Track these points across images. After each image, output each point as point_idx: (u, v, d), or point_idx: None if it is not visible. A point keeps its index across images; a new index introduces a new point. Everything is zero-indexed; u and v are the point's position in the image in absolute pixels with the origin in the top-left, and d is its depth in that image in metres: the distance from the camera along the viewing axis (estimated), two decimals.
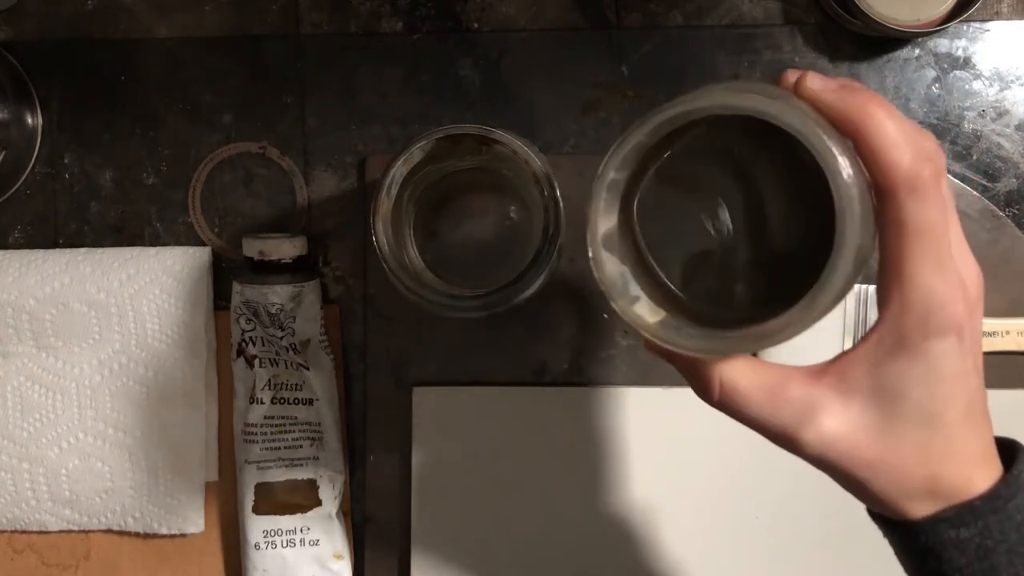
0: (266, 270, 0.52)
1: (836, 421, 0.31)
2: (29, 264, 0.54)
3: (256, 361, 0.53)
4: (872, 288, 0.51)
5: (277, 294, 0.51)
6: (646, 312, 0.32)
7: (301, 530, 0.53)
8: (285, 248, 0.52)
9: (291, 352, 0.53)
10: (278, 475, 0.53)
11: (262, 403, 0.53)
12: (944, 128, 0.53)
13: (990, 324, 0.51)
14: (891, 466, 0.31)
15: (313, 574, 0.53)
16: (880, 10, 0.50)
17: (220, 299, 0.55)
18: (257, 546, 0.53)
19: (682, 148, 0.33)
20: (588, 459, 0.53)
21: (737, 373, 0.32)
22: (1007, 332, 0.51)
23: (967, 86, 0.53)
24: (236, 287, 0.52)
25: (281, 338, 0.52)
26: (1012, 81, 0.53)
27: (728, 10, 0.53)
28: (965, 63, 0.53)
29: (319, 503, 0.53)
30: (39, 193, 0.56)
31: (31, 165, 0.56)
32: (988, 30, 0.52)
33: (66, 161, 0.56)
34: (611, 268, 0.32)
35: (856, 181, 0.28)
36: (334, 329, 0.55)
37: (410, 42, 0.54)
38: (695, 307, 0.34)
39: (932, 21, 0.50)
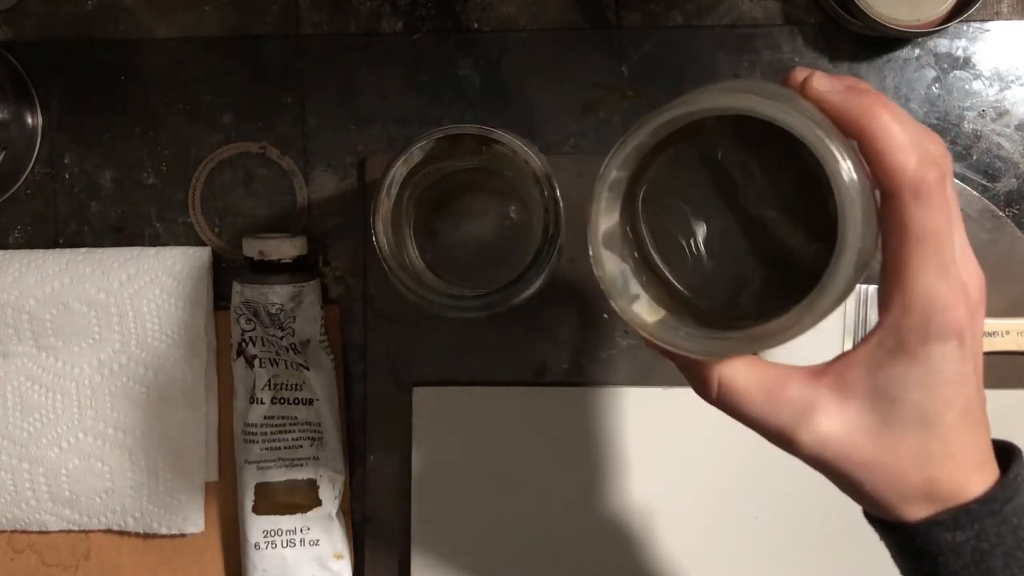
0: (266, 270, 0.52)
1: (833, 422, 0.31)
2: (29, 264, 0.54)
3: (256, 361, 0.53)
4: (872, 289, 0.51)
5: (277, 294, 0.51)
6: (645, 311, 0.32)
7: (301, 530, 0.53)
8: (285, 248, 0.52)
9: (291, 352, 0.53)
10: (278, 475, 0.53)
11: (262, 403, 0.53)
12: (944, 128, 0.53)
13: (990, 324, 0.51)
14: (887, 468, 0.31)
15: (313, 574, 0.53)
16: (880, 10, 0.50)
17: (220, 299, 0.55)
18: (257, 546, 0.53)
19: (684, 147, 0.33)
20: (588, 459, 0.53)
21: (736, 372, 0.32)
22: (1007, 332, 0.51)
23: (967, 86, 0.53)
24: (236, 287, 0.52)
25: (281, 338, 0.52)
26: (1012, 81, 0.53)
27: (728, 10, 0.53)
28: (965, 63, 0.53)
29: (319, 503, 0.53)
30: (39, 193, 0.56)
31: (31, 165, 0.56)
32: (988, 30, 0.52)
33: (66, 161, 0.56)
34: (611, 267, 0.32)
35: (859, 183, 0.28)
36: (334, 329, 0.55)
37: (410, 42, 0.54)
38: (697, 305, 0.34)
39: (932, 21, 0.50)
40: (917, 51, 0.53)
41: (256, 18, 0.55)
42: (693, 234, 0.34)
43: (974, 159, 0.53)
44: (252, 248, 0.52)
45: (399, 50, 0.54)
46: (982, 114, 0.53)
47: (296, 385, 0.53)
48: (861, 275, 0.28)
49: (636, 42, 0.53)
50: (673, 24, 0.53)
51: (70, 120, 0.56)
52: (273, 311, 0.51)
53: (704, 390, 0.33)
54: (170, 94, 0.55)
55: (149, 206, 0.56)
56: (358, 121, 0.55)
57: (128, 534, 0.56)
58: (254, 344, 0.53)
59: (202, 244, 0.55)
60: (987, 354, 0.49)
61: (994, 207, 0.52)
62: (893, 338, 0.30)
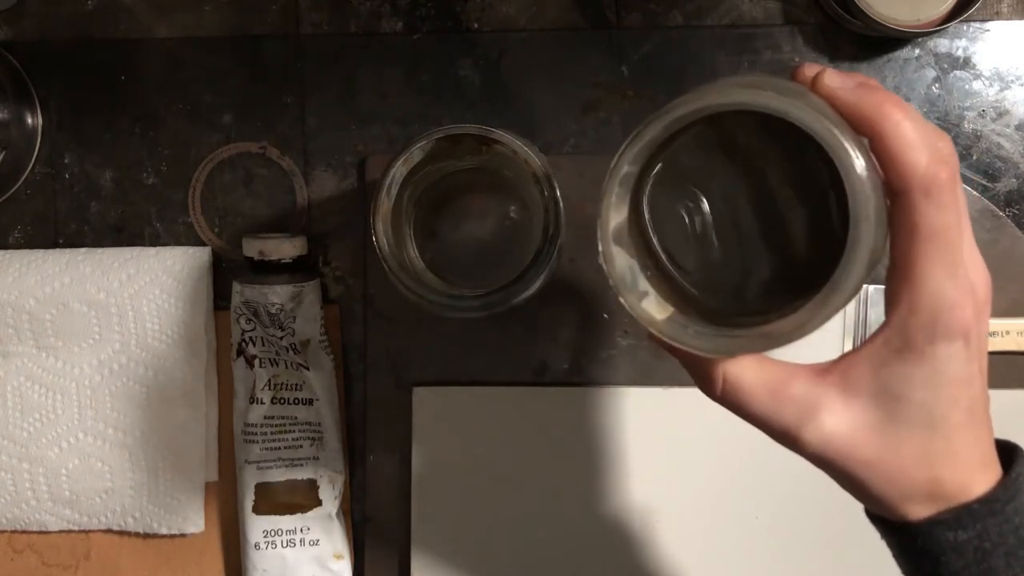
0: (266, 270, 0.52)
1: (837, 420, 0.31)
2: (29, 264, 0.54)
3: (256, 361, 0.53)
4: (873, 288, 0.51)
5: (277, 294, 0.51)
6: (654, 308, 0.31)
7: (301, 530, 0.53)
8: (285, 248, 0.52)
9: (291, 352, 0.53)
10: (278, 475, 0.53)
11: (262, 403, 0.53)
12: (944, 128, 0.53)
13: (990, 324, 0.51)
14: (891, 467, 0.31)
15: (313, 574, 0.53)
16: (880, 10, 0.50)
17: (220, 299, 0.55)
18: (257, 546, 0.53)
19: (693, 142, 0.33)
20: (588, 459, 0.53)
21: (741, 369, 0.32)
22: (1007, 332, 0.51)
23: (967, 86, 0.53)
24: (236, 287, 0.52)
25: (281, 338, 0.52)
26: (1012, 81, 0.53)
27: (728, 10, 0.53)
28: (965, 63, 0.53)
29: (319, 503, 0.53)
30: (39, 193, 0.56)
31: (31, 165, 0.56)
32: (988, 30, 0.52)
33: (66, 161, 0.56)
34: (620, 263, 0.31)
35: (871, 181, 0.28)
36: (334, 329, 0.55)
37: (410, 42, 0.54)
38: (704, 303, 0.34)
39: (932, 21, 0.50)
40: (917, 51, 0.53)
41: (256, 18, 0.55)
42: (699, 230, 0.34)
43: (974, 159, 0.53)
44: (252, 248, 0.52)
45: (399, 50, 0.54)
46: (982, 114, 0.53)
47: (296, 385, 0.53)
48: (871, 274, 0.28)
49: (636, 42, 0.53)
50: (673, 24, 0.53)
51: (70, 120, 0.56)
52: (273, 311, 0.51)
53: (708, 387, 0.33)
54: (170, 94, 0.55)
55: (149, 206, 0.56)
56: (358, 121, 0.55)
57: (128, 534, 0.56)
58: (254, 344, 0.53)
59: (202, 244, 0.55)
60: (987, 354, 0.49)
61: (994, 207, 0.52)
62: (899, 337, 0.30)
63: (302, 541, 0.53)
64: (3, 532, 0.56)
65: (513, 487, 0.53)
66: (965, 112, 0.53)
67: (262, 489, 0.53)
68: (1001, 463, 0.32)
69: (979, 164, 0.53)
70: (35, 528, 0.55)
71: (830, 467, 0.32)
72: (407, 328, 0.54)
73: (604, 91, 0.54)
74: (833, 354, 0.33)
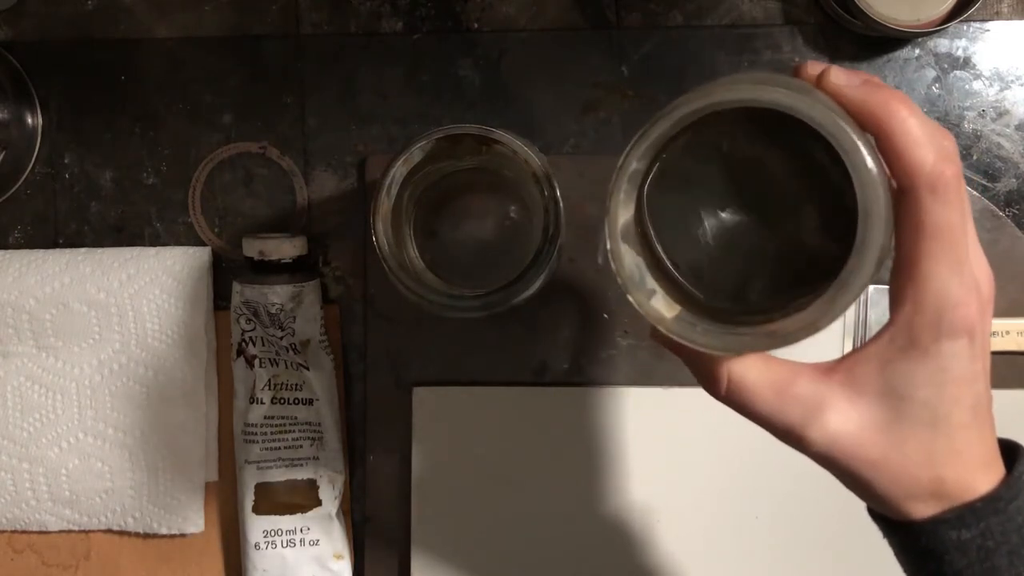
0: (266, 270, 0.52)
1: (842, 419, 0.31)
2: (29, 264, 0.54)
3: (256, 361, 0.53)
4: (873, 288, 0.51)
5: (277, 294, 0.51)
6: (662, 306, 0.31)
7: (301, 530, 0.53)
8: (285, 248, 0.52)
9: (291, 352, 0.53)
10: (278, 475, 0.53)
11: (262, 403, 0.53)
12: (944, 128, 0.53)
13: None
14: (895, 466, 0.30)
15: (313, 574, 0.53)
16: (880, 10, 0.50)
17: (220, 299, 0.55)
18: (257, 546, 0.53)
19: (696, 140, 0.33)
20: (588, 459, 0.53)
21: (746, 368, 0.32)
22: (1007, 332, 0.51)
23: (967, 86, 0.53)
24: (236, 287, 0.52)
25: (281, 338, 0.52)
26: (1012, 81, 0.53)
27: (728, 10, 0.53)
28: (965, 63, 0.53)
29: (319, 503, 0.53)
30: (39, 193, 0.56)
31: (31, 165, 0.56)
32: (988, 30, 0.52)
33: (66, 161, 0.56)
34: (628, 261, 0.31)
35: (881, 177, 0.28)
36: (334, 329, 0.55)
37: (410, 42, 0.54)
38: (705, 302, 0.34)
39: (932, 21, 0.50)
40: (917, 51, 0.53)
41: (256, 18, 0.55)
42: (701, 229, 0.34)
43: (974, 159, 0.53)
44: (252, 248, 0.52)
45: (399, 50, 0.54)
46: (982, 114, 0.53)
47: (296, 385, 0.53)
48: (879, 271, 0.28)
49: (636, 42, 0.53)
50: (673, 24, 0.53)
51: (70, 120, 0.56)
52: (273, 311, 0.51)
53: (713, 387, 0.32)
54: (170, 94, 0.55)
55: (149, 206, 0.56)
56: (358, 121, 0.55)
57: (128, 534, 0.56)
58: (254, 344, 0.53)
59: (202, 244, 0.55)
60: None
61: (994, 207, 0.52)
62: (905, 335, 0.30)
63: (302, 541, 0.53)
64: (3, 532, 0.56)
65: (513, 487, 0.53)
66: (965, 112, 0.53)
67: (262, 489, 0.53)
68: (1004, 462, 0.32)
69: (979, 164, 0.53)
70: (35, 528, 0.55)
71: (835, 466, 0.31)
72: (407, 328, 0.54)
73: (604, 91, 0.54)
74: (833, 354, 0.33)
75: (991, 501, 0.30)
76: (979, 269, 0.31)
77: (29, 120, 0.56)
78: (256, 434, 0.53)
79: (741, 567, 0.53)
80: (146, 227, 0.56)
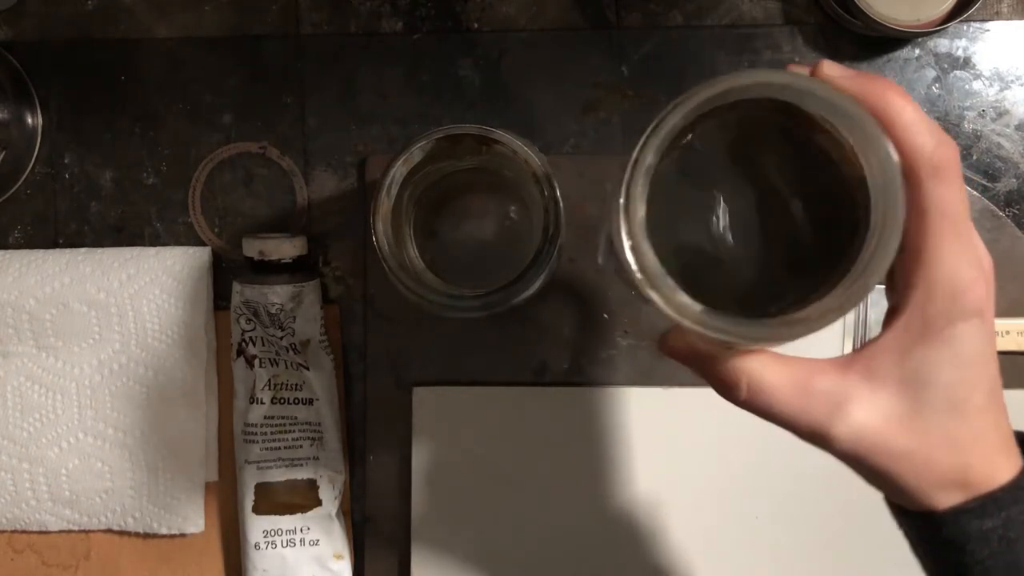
0: (266, 270, 0.52)
1: (867, 412, 0.30)
2: (29, 264, 0.54)
3: (256, 361, 0.53)
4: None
5: (277, 294, 0.51)
6: (688, 301, 0.29)
7: (301, 530, 0.53)
8: (285, 248, 0.52)
9: (291, 352, 0.53)
10: (278, 475, 0.53)
11: (262, 403, 0.53)
12: (944, 128, 0.53)
13: None
14: (922, 456, 0.30)
15: (313, 574, 0.53)
16: (880, 10, 0.50)
17: (220, 299, 0.55)
18: (257, 546, 0.53)
19: (697, 137, 0.33)
20: (588, 459, 0.53)
21: (762, 369, 0.31)
22: (1007, 332, 0.51)
23: (967, 86, 0.53)
24: (236, 287, 0.52)
25: (281, 338, 0.52)
26: (1012, 81, 0.53)
27: (728, 10, 0.53)
28: (965, 63, 0.53)
29: (319, 503, 0.53)
30: (39, 193, 0.56)
31: (31, 165, 0.56)
32: (988, 30, 0.53)
33: (66, 161, 0.56)
34: (651, 256, 0.29)
35: (898, 157, 0.28)
36: (334, 329, 0.55)
37: (410, 42, 0.54)
38: (715, 300, 0.33)
39: (932, 21, 0.50)
40: (917, 51, 0.53)
41: (256, 18, 0.55)
42: (703, 224, 0.34)
43: (974, 159, 0.53)
44: (252, 248, 0.52)
45: (399, 50, 0.54)
46: (982, 114, 0.53)
47: (296, 385, 0.53)
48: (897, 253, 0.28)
49: (636, 42, 0.53)
50: (673, 24, 0.53)
51: (70, 120, 0.56)
52: (273, 311, 0.51)
53: (732, 392, 0.32)
54: (170, 94, 0.55)
55: (149, 206, 0.56)
56: (358, 121, 0.55)
57: (128, 534, 0.56)
58: (254, 344, 0.53)
59: (202, 244, 0.55)
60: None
61: (994, 207, 0.52)
62: (919, 320, 0.30)
63: (302, 541, 0.53)
64: (3, 532, 0.56)
65: (513, 487, 0.53)
66: (965, 112, 0.53)
67: (262, 489, 0.53)
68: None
69: (979, 164, 0.53)
70: (35, 528, 0.55)
71: (861, 462, 0.31)
72: (407, 328, 0.54)
73: (604, 91, 0.54)
74: (834, 354, 0.33)
75: (1012, 490, 0.30)
76: (979, 248, 0.31)
77: (29, 120, 0.56)
78: (256, 434, 0.53)
79: (741, 567, 0.53)
80: (146, 227, 0.56)
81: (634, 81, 0.54)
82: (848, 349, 0.52)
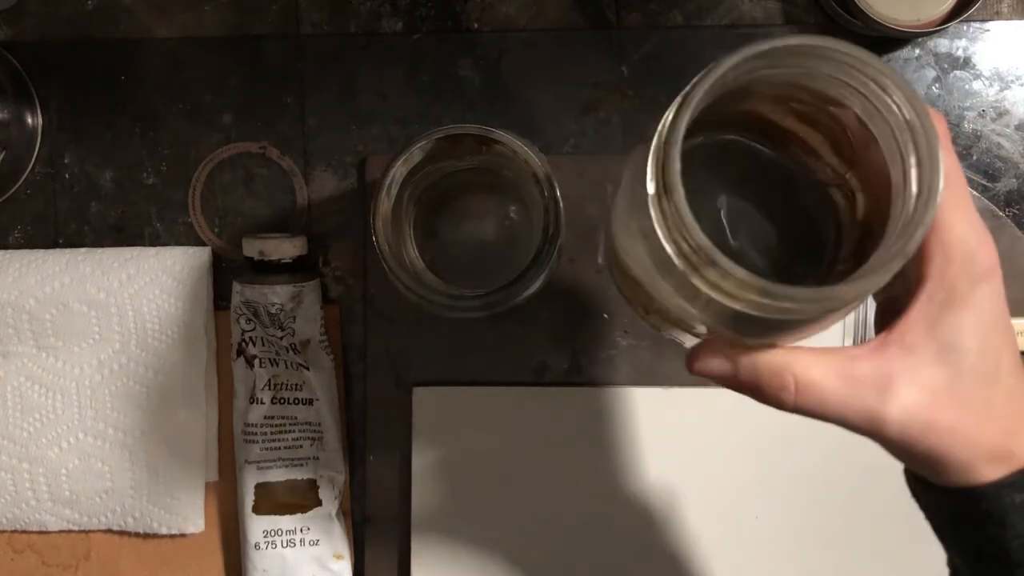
0: (266, 270, 0.52)
1: (914, 390, 0.30)
2: (29, 264, 0.54)
3: (256, 361, 0.53)
4: None
5: (277, 294, 0.51)
6: (747, 272, 0.27)
7: (301, 530, 0.53)
8: (285, 248, 0.52)
9: (291, 352, 0.53)
10: (278, 475, 0.53)
11: (262, 403, 0.53)
12: None
13: None
14: (967, 427, 0.30)
15: (313, 574, 0.53)
16: (880, 10, 0.50)
17: (220, 299, 0.55)
18: (257, 546, 0.53)
19: (705, 138, 0.33)
20: (588, 459, 0.53)
21: (807, 365, 0.30)
22: None
23: (967, 86, 0.53)
24: (236, 287, 0.52)
25: (281, 338, 0.52)
26: (1012, 81, 0.53)
27: (728, 10, 0.53)
28: (965, 63, 0.53)
29: (319, 503, 0.53)
30: (39, 193, 0.56)
31: (31, 165, 0.56)
32: (988, 30, 0.53)
33: (66, 161, 0.56)
34: (701, 233, 0.27)
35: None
36: (334, 329, 0.55)
37: (410, 42, 0.54)
38: None
39: (932, 21, 0.50)
40: (917, 51, 0.53)
41: (256, 18, 0.55)
42: (718, 208, 0.34)
43: (974, 159, 0.53)
44: (252, 248, 0.52)
45: (399, 50, 0.54)
46: (982, 114, 0.53)
47: (296, 385, 0.53)
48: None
49: (636, 42, 0.53)
50: (673, 24, 0.53)
51: (70, 120, 0.56)
52: (273, 311, 0.51)
53: (779, 394, 0.31)
54: (170, 94, 0.55)
55: (149, 206, 0.56)
56: (358, 121, 0.55)
57: (128, 534, 0.56)
58: (254, 344, 0.53)
59: (202, 244, 0.55)
60: None
61: (994, 207, 0.52)
62: (941, 288, 0.30)
63: (302, 541, 0.53)
64: (3, 532, 0.56)
65: (513, 487, 0.53)
66: (965, 112, 0.53)
67: (262, 489, 0.53)
68: None
69: (979, 164, 0.53)
70: (35, 528, 0.55)
71: (914, 443, 0.30)
72: (407, 328, 0.54)
73: (604, 91, 0.54)
74: None
75: None
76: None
77: (29, 120, 0.56)
78: (256, 434, 0.53)
79: (741, 567, 0.53)
80: (146, 227, 0.56)
81: (634, 81, 0.54)
82: (848, 346, 0.52)
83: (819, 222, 0.34)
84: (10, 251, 0.55)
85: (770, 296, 0.27)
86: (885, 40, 0.52)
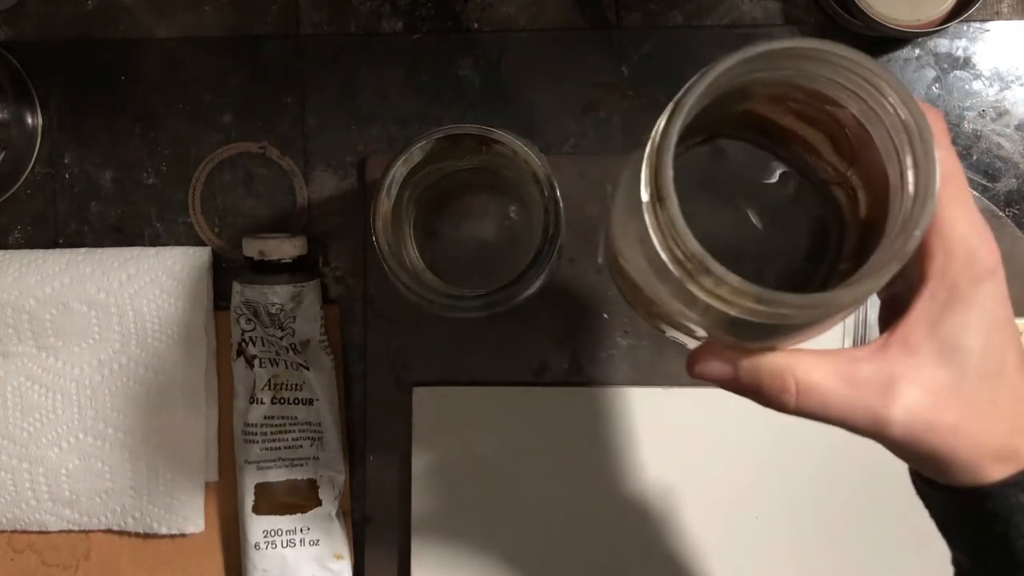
0: (266, 270, 0.52)
1: (917, 391, 0.29)
2: (29, 264, 0.54)
3: (256, 361, 0.53)
4: None
5: (277, 294, 0.51)
6: (741, 279, 0.27)
7: (301, 530, 0.53)
8: (285, 248, 0.52)
9: (291, 352, 0.53)
10: (278, 475, 0.53)
11: (262, 403, 0.53)
12: None
13: None
14: (973, 428, 0.30)
15: (313, 574, 0.53)
16: (880, 10, 0.50)
17: (220, 299, 0.55)
18: (257, 546, 0.53)
19: (703, 139, 0.33)
20: (588, 459, 0.53)
21: (809, 367, 0.30)
22: None
23: (967, 86, 0.53)
24: (236, 287, 0.52)
25: (281, 338, 0.52)
26: (1012, 81, 0.53)
27: (728, 10, 0.53)
28: (965, 63, 0.53)
29: (319, 503, 0.53)
30: (39, 193, 0.56)
31: (31, 165, 0.56)
32: (988, 30, 0.53)
33: (66, 161, 0.56)
34: (694, 240, 0.27)
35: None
36: (334, 329, 0.55)
37: (410, 42, 0.54)
38: None
39: (932, 21, 0.50)
40: (917, 51, 0.53)
41: (256, 18, 0.55)
42: (710, 213, 0.34)
43: (974, 159, 0.53)
44: (252, 248, 0.52)
45: (399, 50, 0.54)
46: (982, 114, 0.53)
47: (296, 385, 0.53)
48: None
49: (636, 42, 0.53)
50: (673, 24, 0.53)
51: (70, 120, 0.56)
52: (273, 311, 0.51)
53: (780, 397, 0.30)
54: (170, 94, 0.55)
55: (149, 206, 0.56)
56: (358, 121, 0.55)
57: (128, 534, 0.56)
58: (254, 344, 0.53)
59: (202, 244, 0.55)
60: None
61: (994, 207, 0.52)
62: (943, 287, 0.29)
63: (302, 541, 0.53)
64: (3, 532, 0.56)
65: (513, 487, 0.53)
66: (965, 112, 0.53)
67: (262, 489, 0.53)
68: None
69: (979, 164, 0.53)
70: (35, 528, 0.55)
71: (918, 443, 0.30)
72: (407, 328, 0.54)
73: (604, 91, 0.54)
74: None
75: None
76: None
77: (29, 120, 0.56)
78: (256, 434, 0.53)
79: (741, 567, 0.53)
80: (146, 227, 0.56)
81: (634, 81, 0.54)
82: (848, 347, 0.51)
83: (821, 220, 0.34)
84: (10, 251, 0.55)
85: (765, 302, 0.27)
86: (885, 40, 0.52)
